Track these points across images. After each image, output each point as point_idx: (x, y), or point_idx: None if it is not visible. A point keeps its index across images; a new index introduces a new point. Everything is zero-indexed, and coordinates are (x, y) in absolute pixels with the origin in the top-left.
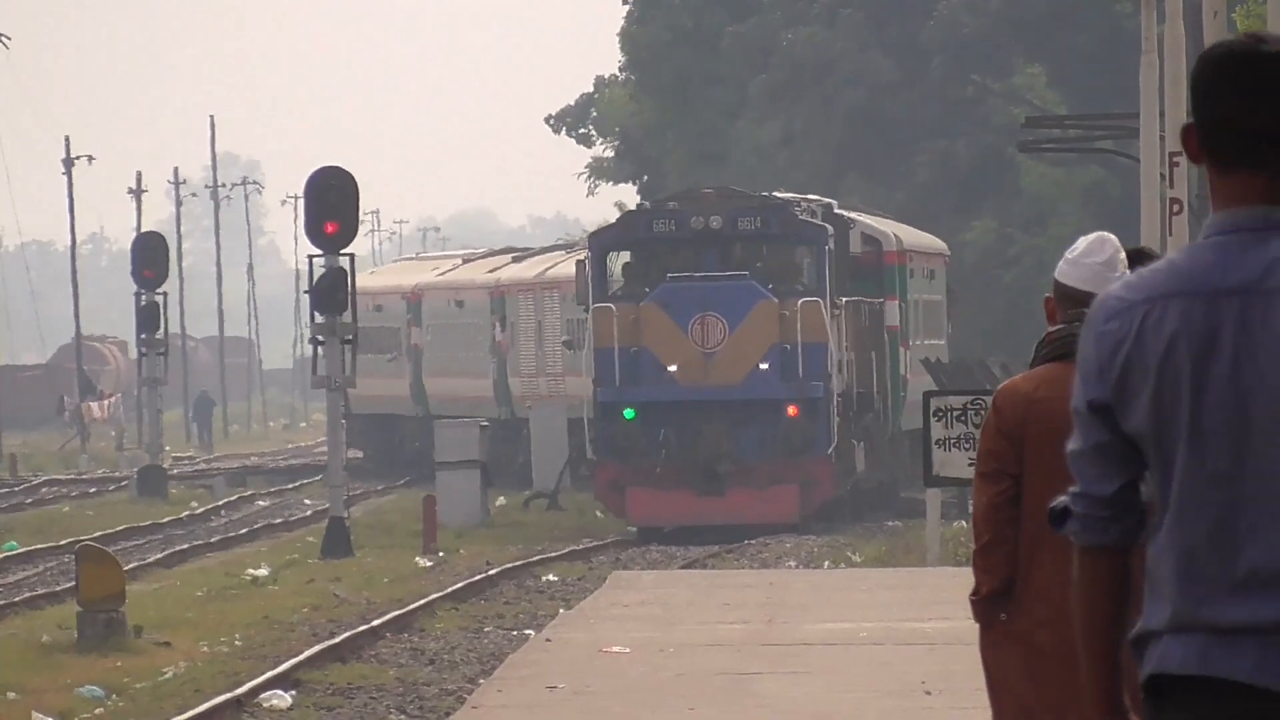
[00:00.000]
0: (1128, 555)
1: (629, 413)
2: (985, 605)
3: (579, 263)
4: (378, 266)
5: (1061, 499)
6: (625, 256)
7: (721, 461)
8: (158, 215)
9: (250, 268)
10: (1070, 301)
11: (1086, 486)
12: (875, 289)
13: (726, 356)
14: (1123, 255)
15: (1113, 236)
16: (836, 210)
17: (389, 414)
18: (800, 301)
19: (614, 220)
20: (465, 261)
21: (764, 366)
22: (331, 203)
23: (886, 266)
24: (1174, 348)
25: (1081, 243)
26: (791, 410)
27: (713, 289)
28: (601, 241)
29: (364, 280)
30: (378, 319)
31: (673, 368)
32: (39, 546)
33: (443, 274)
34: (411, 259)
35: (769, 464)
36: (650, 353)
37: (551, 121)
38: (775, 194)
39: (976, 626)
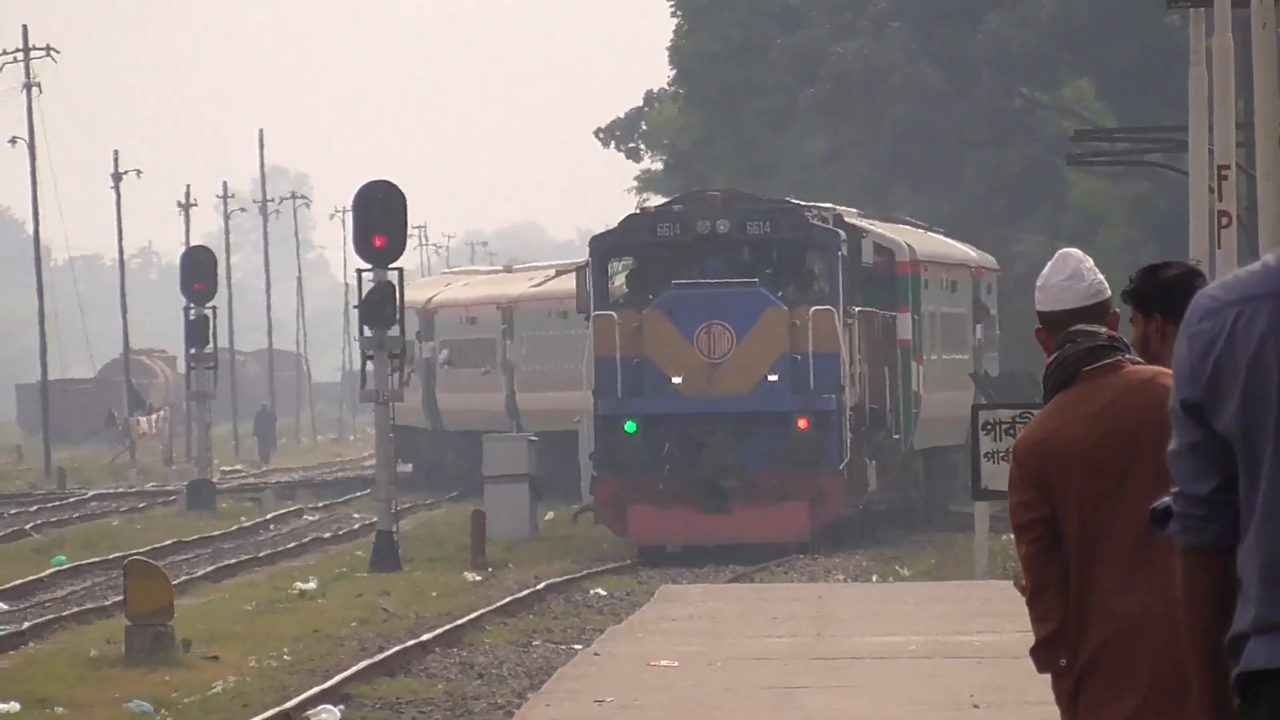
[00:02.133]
0: (1228, 556)
1: (631, 426)
2: (1043, 652)
3: (579, 268)
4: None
5: (1164, 499)
6: (628, 262)
7: (728, 477)
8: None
9: (299, 281)
10: (1052, 327)
11: (1184, 485)
12: (888, 300)
13: (734, 367)
14: (1088, 264)
15: (1075, 250)
16: (847, 219)
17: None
18: (812, 309)
19: (616, 224)
20: (559, 274)
21: (773, 377)
22: (379, 216)
23: (899, 277)
24: (1263, 349)
25: (1047, 266)
26: (801, 423)
27: (719, 296)
28: (603, 246)
29: (456, 292)
30: (472, 331)
31: (677, 379)
32: (88, 561)
33: (539, 285)
34: (500, 270)
35: (777, 479)
36: (653, 363)
37: (600, 135)
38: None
39: (1024, 639)
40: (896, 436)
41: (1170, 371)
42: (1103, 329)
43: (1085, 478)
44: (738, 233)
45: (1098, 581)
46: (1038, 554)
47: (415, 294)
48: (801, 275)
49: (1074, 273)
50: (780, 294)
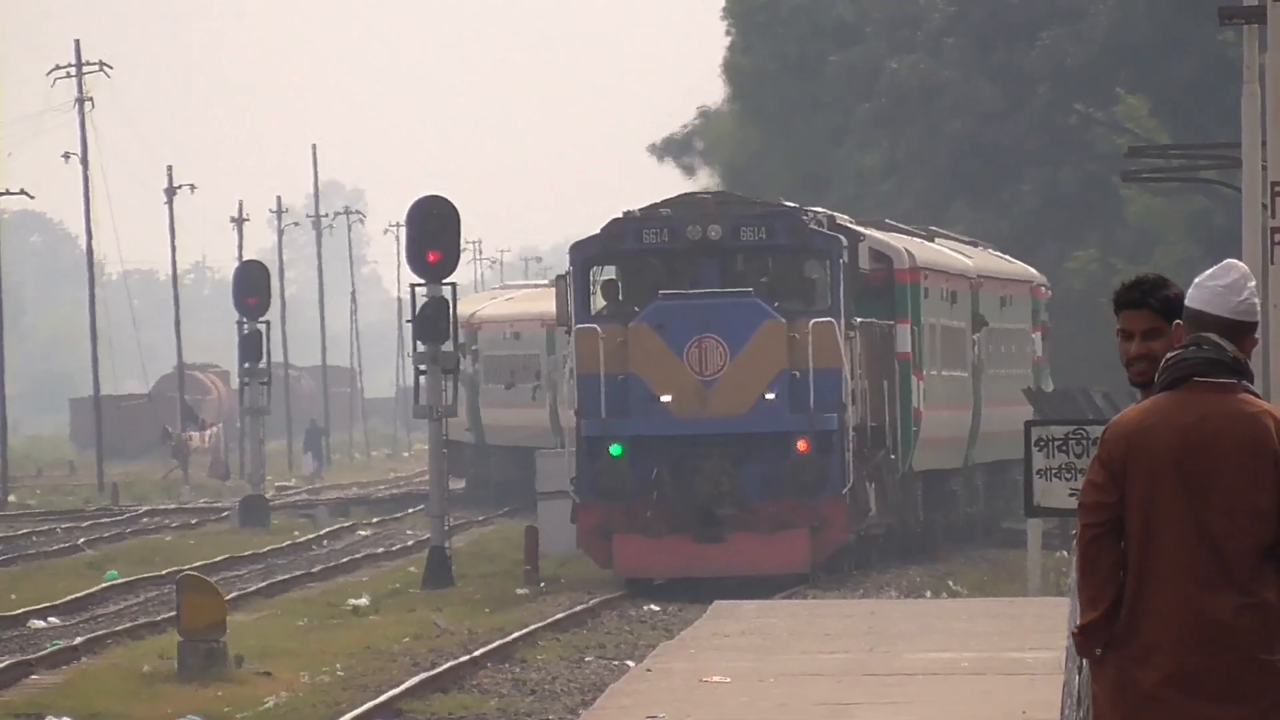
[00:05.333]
0: None
1: (616, 449)
2: (1085, 636)
3: (559, 278)
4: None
5: None
6: (611, 271)
7: (722, 504)
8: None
9: (353, 296)
10: (1193, 324)
11: None
12: (886, 310)
13: (728, 384)
14: (1251, 282)
15: (1241, 263)
16: (840, 221)
17: (527, 445)
18: (812, 322)
19: (599, 230)
20: None
21: (770, 396)
22: (433, 231)
23: (898, 285)
24: None
25: (1209, 270)
26: (801, 445)
27: (712, 308)
28: (585, 254)
29: (500, 307)
30: (516, 346)
31: (666, 398)
32: (141, 576)
33: None
34: (545, 285)
35: (775, 506)
36: (640, 380)
37: (655, 151)
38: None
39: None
40: (894, 457)
41: (1276, 411)
42: (1233, 348)
43: (1162, 479)
44: (730, 239)
45: (1156, 584)
46: (1096, 539)
47: (460, 308)
48: (800, 284)
49: (1233, 284)
50: (777, 305)
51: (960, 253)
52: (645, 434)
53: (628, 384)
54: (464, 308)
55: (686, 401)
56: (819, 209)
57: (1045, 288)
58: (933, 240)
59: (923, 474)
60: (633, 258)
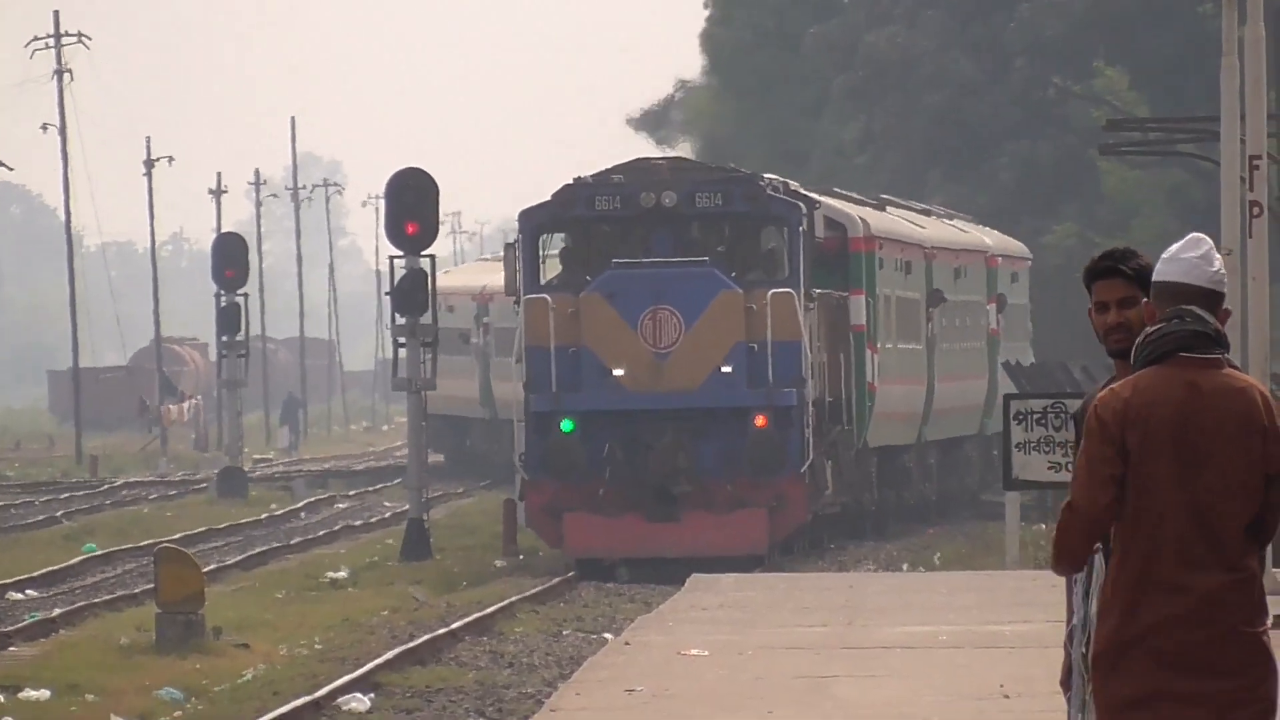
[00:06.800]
0: None
1: (567, 424)
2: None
3: (507, 246)
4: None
5: None
6: (562, 239)
7: (676, 481)
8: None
9: (331, 269)
10: (1168, 298)
11: None
12: (839, 281)
13: (682, 357)
14: (1218, 254)
15: (1205, 237)
16: (794, 187)
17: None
18: (770, 293)
19: (550, 196)
20: None
21: (727, 369)
22: (411, 204)
23: (852, 255)
24: None
25: (1176, 245)
26: (759, 420)
27: (666, 277)
28: (534, 221)
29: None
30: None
31: (619, 371)
32: (119, 548)
33: None
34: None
35: (732, 484)
36: (592, 353)
37: (632, 123)
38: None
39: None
40: (849, 428)
41: (1261, 385)
42: (1214, 320)
43: (1158, 456)
44: (686, 206)
45: (1145, 562)
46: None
47: (469, 279)
48: (758, 253)
49: (1206, 255)
50: (734, 275)
51: (914, 222)
52: (597, 409)
53: (579, 356)
54: (474, 279)
55: (640, 375)
56: (773, 176)
57: (1001, 257)
58: (884, 209)
59: (876, 450)
60: (584, 225)
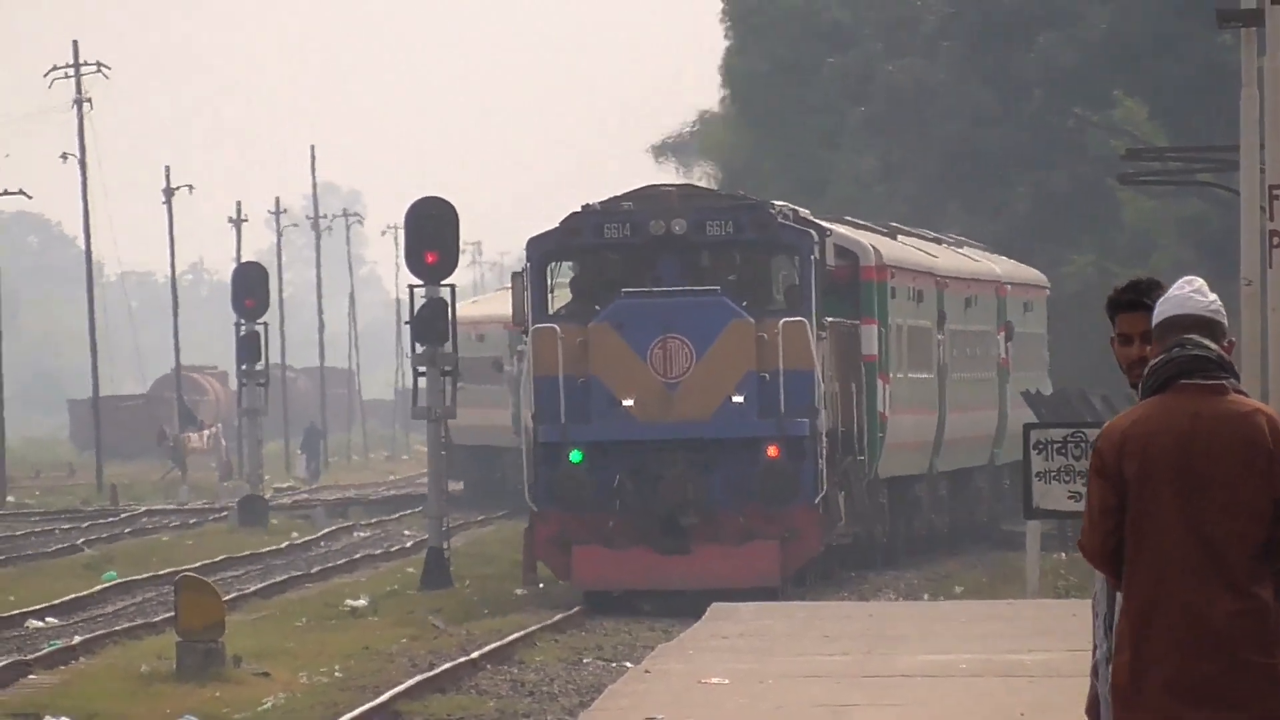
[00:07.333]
0: None
1: (576, 455)
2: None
3: (514, 275)
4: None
5: None
6: (570, 267)
7: (686, 513)
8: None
9: (351, 298)
10: (1169, 331)
11: None
12: (851, 310)
13: (693, 387)
14: (1211, 292)
15: (1196, 277)
16: (805, 214)
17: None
18: (782, 322)
19: (558, 224)
20: None
21: (738, 399)
22: (431, 232)
23: (864, 284)
24: None
25: (1174, 285)
26: (771, 451)
27: (676, 307)
28: (542, 249)
29: None
30: None
31: (628, 401)
32: (139, 576)
33: None
34: None
35: (744, 515)
36: (601, 383)
37: (653, 152)
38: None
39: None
40: (862, 458)
41: (1269, 410)
42: (1215, 347)
43: (1159, 484)
44: (695, 234)
45: (1152, 590)
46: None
47: (500, 308)
48: (768, 282)
49: (1199, 289)
50: (744, 304)
51: (926, 250)
52: (606, 439)
53: (588, 387)
54: (505, 308)
55: (649, 405)
56: (783, 203)
57: (1011, 286)
58: (895, 237)
59: (888, 481)
60: (593, 253)
